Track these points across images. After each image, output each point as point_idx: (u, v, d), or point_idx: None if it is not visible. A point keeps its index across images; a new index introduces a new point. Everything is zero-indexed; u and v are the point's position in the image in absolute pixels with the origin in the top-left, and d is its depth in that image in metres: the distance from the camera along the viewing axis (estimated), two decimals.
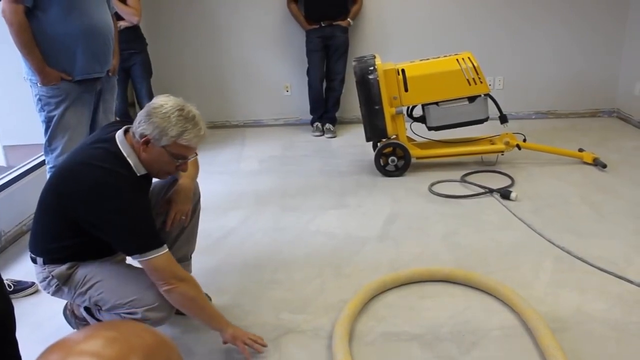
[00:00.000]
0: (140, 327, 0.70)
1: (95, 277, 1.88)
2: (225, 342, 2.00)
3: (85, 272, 1.89)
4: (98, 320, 2.00)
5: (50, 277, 1.90)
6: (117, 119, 3.45)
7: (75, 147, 1.99)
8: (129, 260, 2.07)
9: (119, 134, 1.88)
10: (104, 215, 1.75)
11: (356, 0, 4.81)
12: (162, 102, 1.82)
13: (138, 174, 1.86)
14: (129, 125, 1.91)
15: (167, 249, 1.82)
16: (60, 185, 1.83)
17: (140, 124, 1.81)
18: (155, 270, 1.79)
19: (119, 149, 1.84)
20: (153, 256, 1.77)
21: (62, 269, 1.89)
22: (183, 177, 2.13)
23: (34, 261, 1.94)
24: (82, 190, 1.76)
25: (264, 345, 2.03)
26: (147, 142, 1.81)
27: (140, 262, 1.79)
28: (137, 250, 1.78)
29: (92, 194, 1.74)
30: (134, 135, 1.84)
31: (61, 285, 1.91)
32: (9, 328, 1.63)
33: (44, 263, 1.90)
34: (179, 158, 1.86)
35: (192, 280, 1.89)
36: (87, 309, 2.03)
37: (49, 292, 1.96)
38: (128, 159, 1.83)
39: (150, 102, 1.84)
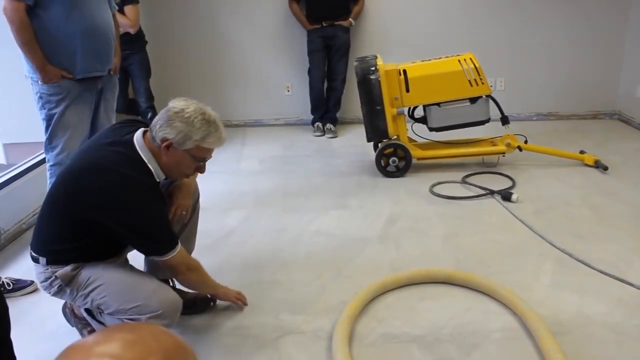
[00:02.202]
0: (159, 330, 0.71)
1: (99, 280, 1.86)
2: (216, 300, 2.32)
3: (89, 274, 1.87)
4: (99, 322, 1.98)
5: (53, 278, 1.88)
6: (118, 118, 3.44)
7: (86, 146, 1.96)
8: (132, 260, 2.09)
9: (137, 138, 1.86)
10: (124, 221, 1.77)
11: (358, 0, 4.81)
12: (183, 106, 1.83)
13: (158, 180, 1.88)
14: (145, 128, 1.91)
15: (180, 245, 1.91)
16: (74, 189, 1.80)
17: (161, 128, 1.81)
18: (171, 267, 1.92)
19: (139, 154, 1.84)
20: (170, 256, 1.87)
21: (66, 269, 1.87)
22: None
23: (36, 261, 1.91)
24: (101, 195, 1.74)
25: (245, 304, 2.33)
26: (168, 146, 1.82)
27: (157, 260, 1.90)
28: (155, 252, 1.89)
29: (111, 199, 1.74)
30: (153, 140, 1.84)
31: (64, 286, 1.89)
32: (3, 330, 1.62)
33: (47, 263, 1.88)
34: (200, 160, 1.91)
35: (199, 267, 2.06)
36: (87, 310, 2.02)
37: (49, 293, 1.94)
38: (149, 165, 1.84)
39: (170, 106, 1.84)
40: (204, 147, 1.85)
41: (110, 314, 1.87)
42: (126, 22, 4.12)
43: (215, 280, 2.21)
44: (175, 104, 1.84)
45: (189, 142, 1.82)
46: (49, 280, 1.90)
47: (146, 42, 4.49)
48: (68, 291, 1.90)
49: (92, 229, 1.80)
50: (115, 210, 1.75)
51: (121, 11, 4.07)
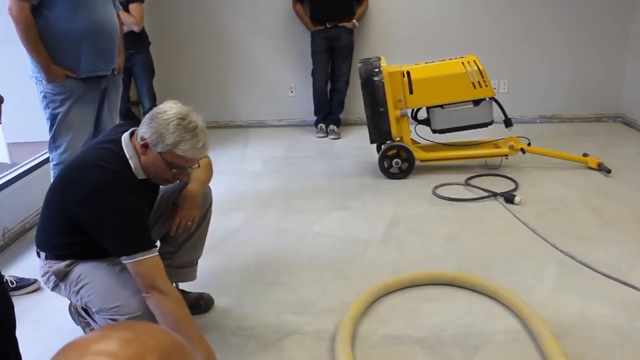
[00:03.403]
0: (156, 328, 0.71)
1: (87, 277, 1.86)
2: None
3: (80, 271, 1.88)
4: (94, 320, 1.98)
5: (50, 273, 1.90)
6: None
7: (88, 145, 1.98)
8: None
9: (125, 136, 1.87)
10: (97, 213, 1.74)
11: (362, 2, 4.81)
12: (167, 108, 1.79)
13: (138, 177, 1.84)
14: (136, 128, 1.91)
15: (156, 254, 1.76)
16: (63, 183, 1.84)
17: (142, 127, 1.81)
18: (137, 274, 1.74)
19: (123, 150, 1.84)
20: (139, 259, 1.72)
21: (60, 265, 1.88)
22: (193, 181, 2.09)
23: (39, 255, 1.94)
24: (80, 188, 1.75)
25: None
26: (146, 146, 1.79)
27: (126, 263, 1.75)
28: (123, 250, 1.74)
29: (88, 191, 1.74)
30: (136, 137, 1.84)
31: (58, 282, 1.91)
32: (8, 328, 1.62)
33: (46, 258, 1.91)
34: (175, 167, 1.82)
35: (172, 295, 1.76)
36: (83, 308, 2.02)
37: (48, 287, 1.96)
38: (130, 161, 1.82)
39: (157, 107, 1.83)
40: (176, 153, 1.76)
41: (96, 312, 1.86)
42: (131, 20, 4.13)
43: (204, 340, 1.78)
44: (163, 104, 1.82)
45: (161, 145, 1.75)
46: (47, 275, 1.92)
47: (149, 42, 4.49)
48: (63, 287, 1.91)
49: (79, 225, 1.79)
50: (88, 198, 1.73)
51: (126, 9, 4.08)
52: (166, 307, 1.74)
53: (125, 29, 4.09)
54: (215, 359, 1.78)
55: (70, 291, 1.90)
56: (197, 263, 2.34)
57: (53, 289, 1.96)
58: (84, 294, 1.87)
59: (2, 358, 1.60)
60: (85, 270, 1.88)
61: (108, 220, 1.74)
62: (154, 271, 1.75)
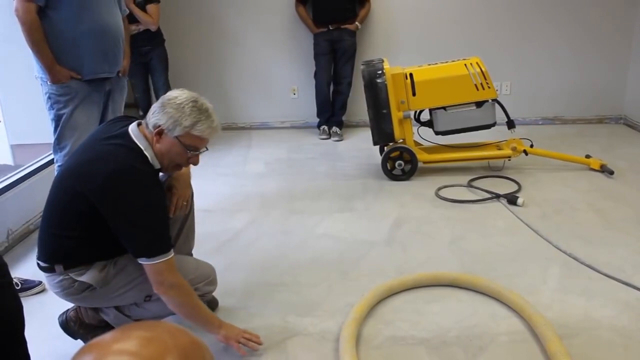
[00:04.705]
0: (174, 327, 0.72)
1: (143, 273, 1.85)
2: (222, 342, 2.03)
3: (131, 274, 1.89)
4: (127, 316, 2.01)
5: (79, 283, 1.86)
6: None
7: (82, 145, 1.94)
8: None
9: (132, 128, 1.88)
10: (123, 210, 1.74)
11: (364, 4, 4.82)
12: (177, 94, 1.85)
13: (155, 167, 1.87)
14: (140, 120, 1.93)
15: (173, 254, 1.83)
16: (76, 183, 1.79)
17: (154, 115, 1.84)
18: (155, 273, 1.79)
19: (135, 143, 1.84)
20: (158, 261, 1.77)
21: (94, 273, 1.86)
22: None
23: (50, 270, 1.87)
24: (100, 185, 1.73)
25: (260, 344, 2.04)
26: (160, 133, 1.83)
27: (144, 264, 1.78)
28: (146, 251, 1.77)
29: (115, 188, 1.73)
30: (147, 126, 1.86)
31: (98, 289, 1.87)
32: (18, 327, 1.63)
33: (65, 269, 1.86)
34: (191, 149, 1.87)
35: (182, 287, 1.86)
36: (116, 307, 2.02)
37: (73, 299, 1.92)
38: (145, 153, 1.84)
39: (165, 95, 1.87)
40: (194, 134, 1.83)
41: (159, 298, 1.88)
42: (148, 19, 4.34)
43: (215, 316, 2.05)
44: (170, 92, 1.87)
45: (179, 128, 1.81)
46: (73, 286, 1.87)
47: (164, 38, 4.64)
48: (102, 293, 1.90)
49: (99, 222, 1.77)
50: (114, 198, 1.73)
51: (143, 9, 4.30)
52: (179, 299, 1.86)
53: (142, 27, 4.29)
54: (235, 336, 1.99)
55: (122, 292, 1.92)
56: (192, 255, 2.38)
57: (84, 299, 1.92)
58: (144, 287, 1.89)
59: (13, 357, 1.61)
60: (133, 270, 1.88)
61: (134, 218, 1.75)
62: (169, 269, 1.82)
